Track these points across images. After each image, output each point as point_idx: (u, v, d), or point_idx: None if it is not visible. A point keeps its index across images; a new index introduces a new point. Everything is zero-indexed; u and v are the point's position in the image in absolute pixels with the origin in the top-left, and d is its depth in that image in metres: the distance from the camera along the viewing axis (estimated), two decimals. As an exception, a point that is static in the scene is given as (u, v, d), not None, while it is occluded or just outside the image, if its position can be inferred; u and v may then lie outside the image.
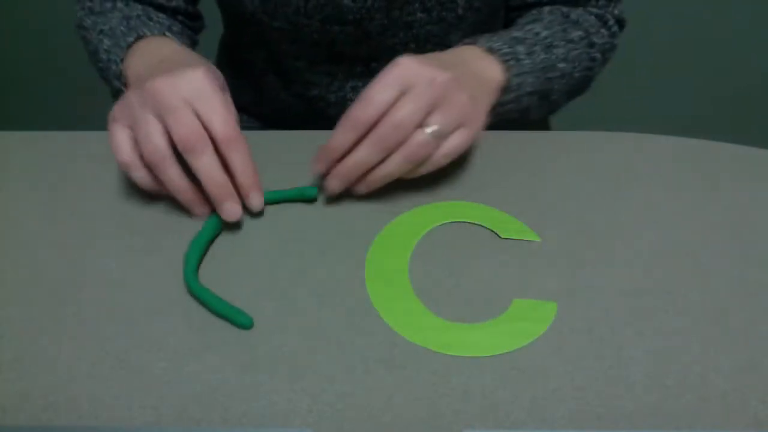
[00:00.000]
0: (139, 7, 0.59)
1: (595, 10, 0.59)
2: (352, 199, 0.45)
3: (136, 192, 0.46)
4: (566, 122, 0.68)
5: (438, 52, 0.48)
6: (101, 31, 0.55)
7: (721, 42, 1.38)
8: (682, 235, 0.43)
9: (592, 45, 0.57)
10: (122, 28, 0.54)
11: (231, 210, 0.42)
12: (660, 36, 1.36)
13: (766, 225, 0.44)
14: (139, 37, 0.51)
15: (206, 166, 0.40)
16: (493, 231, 0.43)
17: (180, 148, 0.40)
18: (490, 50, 0.49)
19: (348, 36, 0.57)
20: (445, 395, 0.33)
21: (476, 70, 0.48)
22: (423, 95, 0.40)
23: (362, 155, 0.41)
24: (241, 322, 0.37)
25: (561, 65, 0.54)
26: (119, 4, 0.58)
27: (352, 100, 0.61)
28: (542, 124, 0.73)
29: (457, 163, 0.49)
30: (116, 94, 0.54)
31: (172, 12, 0.61)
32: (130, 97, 0.42)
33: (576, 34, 0.56)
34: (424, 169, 0.43)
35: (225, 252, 0.42)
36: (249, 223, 0.44)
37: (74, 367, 0.35)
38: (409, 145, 0.41)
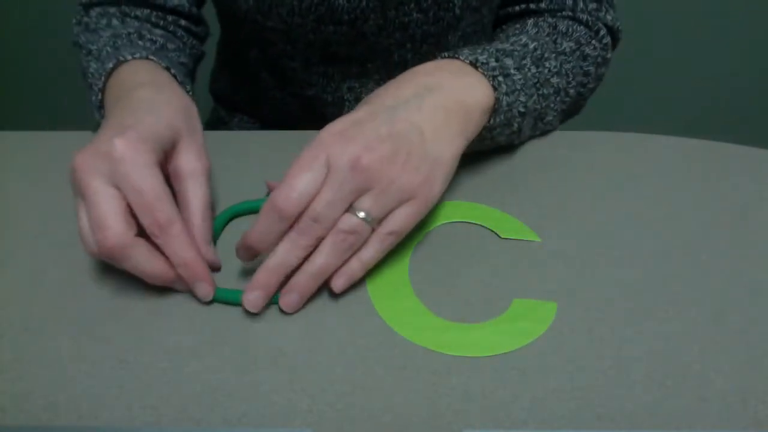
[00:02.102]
0: (136, 23, 0.55)
1: (584, 16, 0.54)
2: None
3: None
4: (566, 122, 0.68)
5: (402, 78, 0.42)
6: (89, 52, 0.52)
7: (721, 42, 1.38)
8: (682, 235, 0.43)
9: (585, 58, 0.52)
10: (108, 49, 0.50)
11: (201, 292, 0.37)
12: (660, 36, 1.36)
13: (766, 225, 0.44)
14: (119, 63, 0.46)
15: (138, 265, 0.36)
16: (493, 231, 0.43)
17: (102, 256, 0.36)
18: (475, 64, 0.43)
19: (343, 36, 0.56)
20: (445, 395, 0.33)
21: (458, 94, 0.41)
22: (343, 183, 0.35)
23: (282, 253, 0.36)
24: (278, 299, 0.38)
25: (554, 80, 0.48)
26: (114, 21, 0.55)
27: (348, 100, 0.61)
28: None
29: (458, 164, 0.49)
30: (98, 126, 0.47)
31: (172, 13, 0.58)
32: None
33: (567, 45, 0.51)
34: (367, 257, 0.37)
35: (225, 252, 0.42)
36: (250, 223, 0.44)
37: (74, 367, 0.35)
38: (335, 232, 0.36)
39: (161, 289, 0.39)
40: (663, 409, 0.33)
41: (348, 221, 0.36)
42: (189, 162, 0.40)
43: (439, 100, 0.40)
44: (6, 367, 0.35)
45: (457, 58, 0.44)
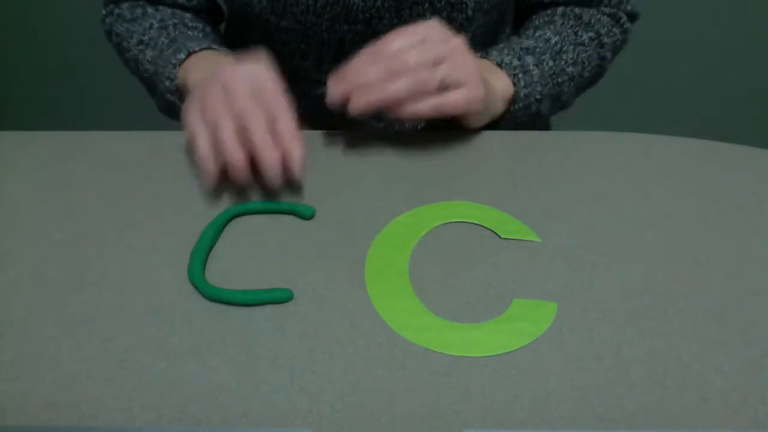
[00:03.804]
0: (168, 11, 0.61)
1: (608, 9, 0.61)
2: (352, 199, 0.45)
3: (136, 192, 0.46)
4: (567, 122, 0.68)
5: None
6: (141, 41, 0.58)
7: (722, 42, 1.38)
8: (682, 235, 0.43)
9: (602, 45, 0.59)
10: (164, 39, 0.57)
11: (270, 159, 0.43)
12: (660, 36, 1.36)
13: (766, 225, 0.44)
14: (189, 54, 0.53)
15: (261, 136, 0.43)
16: (493, 231, 0.43)
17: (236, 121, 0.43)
18: (500, 64, 0.53)
19: (357, 35, 0.57)
20: (445, 395, 0.33)
21: (487, 79, 0.50)
22: (435, 48, 0.45)
23: (368, 73, 0.44)
24: (284, 297, 0.38)
25: (570, 69, 0.57)
26: (149, 10, 0.60)
27: None
28: (543, 124, 0.73)
29: (457, 163, 0.49)
30: (167, 106, 0.57)
31: (194, 12, 0.63)
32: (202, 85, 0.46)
33: (587, 36, 0.58)
34: (422, 109, 0.45)
35: (225, 253, 0.42)
36: (249, 223, 0.44)
37: (74, 367, 0.35)
38: (414, 72, 0.44)
39: (161, 288, 0.39)
40: (663, 409, 0.33)
41: (426, 71, 0.44)
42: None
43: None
44: (6, 367, 0.35)
45: (487, 59, 0.54)
